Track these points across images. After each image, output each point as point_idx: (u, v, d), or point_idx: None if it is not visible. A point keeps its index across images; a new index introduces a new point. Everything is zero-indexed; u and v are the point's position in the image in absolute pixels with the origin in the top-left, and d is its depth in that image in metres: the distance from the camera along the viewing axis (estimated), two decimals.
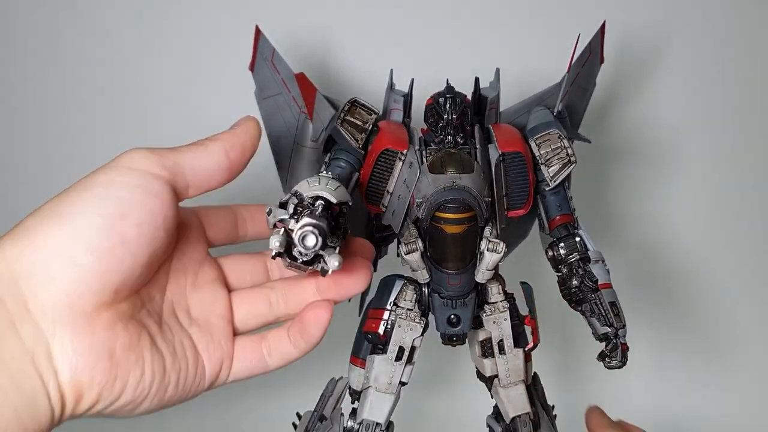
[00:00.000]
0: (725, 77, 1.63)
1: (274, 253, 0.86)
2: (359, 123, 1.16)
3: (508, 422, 1.17)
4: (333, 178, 0.97)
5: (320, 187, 0.91)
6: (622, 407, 1.67)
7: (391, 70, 1.24)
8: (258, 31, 1.25)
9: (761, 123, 1.66)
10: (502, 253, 1.06)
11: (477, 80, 1.20)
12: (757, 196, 1.69)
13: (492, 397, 1.20)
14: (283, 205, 0.92)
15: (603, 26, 1.32)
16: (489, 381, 1.17)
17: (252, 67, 1.27)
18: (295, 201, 0.90)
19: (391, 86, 1.24)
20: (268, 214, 0.92)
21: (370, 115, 1.17)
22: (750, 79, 1.64)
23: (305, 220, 0.85)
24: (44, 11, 1.60)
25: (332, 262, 0.85)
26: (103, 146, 1.62)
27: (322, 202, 0.89)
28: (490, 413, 1.26)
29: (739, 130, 1.66)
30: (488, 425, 1.26)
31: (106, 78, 1.62)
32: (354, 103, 1.17)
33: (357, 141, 1.14)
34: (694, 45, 1.61)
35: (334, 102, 1.22)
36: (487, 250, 1.06)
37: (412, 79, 1.22)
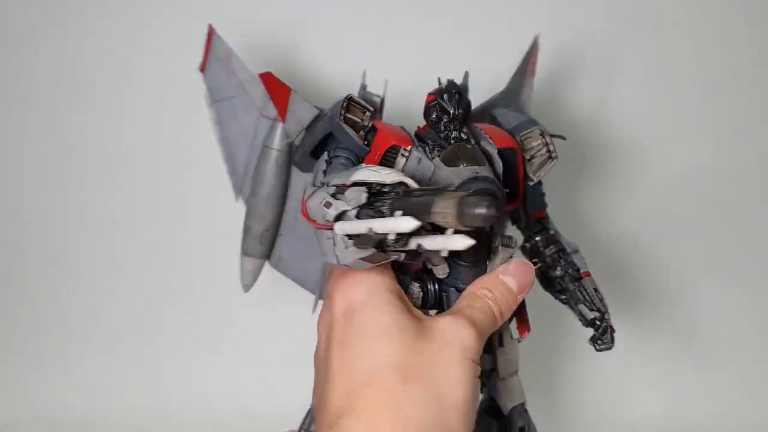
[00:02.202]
0: (692, 72, 1.68)
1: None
2: (358, 120, 1.13)
3: (505, 414, 1.18)
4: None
5: (393, 173, 0.88)
6: (621, 406, 1.71)
7: (365, 71, 1.23)
8: (211, 30, 1.18)
9: (728, 118, 1.71)
10: (515, 248, 1.09)
11: (466, 74, 1.20)
12: (737, 189, 1.73)
13: (489, 392, 1.20)
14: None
15: (536, 42, 1.39)
16: (486, 376, 1.18)
17: (203, 68, 1.20)
18: (365, 190, 0.87)
19: (363, 87, 1.23)
20: (327, 206, 0.87)
21: (365, 113, 1.15)
22: (717, 76, 1.68)
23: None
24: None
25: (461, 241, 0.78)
26: (84, 145, 1.47)
27: (404, 186, 0.86)
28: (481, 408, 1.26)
29: (708, 126, 1.70)
30: (482, 422, 1.26)
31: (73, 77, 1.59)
32: (350, 101, 1.15)
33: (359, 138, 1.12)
34: (661, 43, 1.65)
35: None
36: (502, 245, 1.08)
37: (386, 81, 1.22)
